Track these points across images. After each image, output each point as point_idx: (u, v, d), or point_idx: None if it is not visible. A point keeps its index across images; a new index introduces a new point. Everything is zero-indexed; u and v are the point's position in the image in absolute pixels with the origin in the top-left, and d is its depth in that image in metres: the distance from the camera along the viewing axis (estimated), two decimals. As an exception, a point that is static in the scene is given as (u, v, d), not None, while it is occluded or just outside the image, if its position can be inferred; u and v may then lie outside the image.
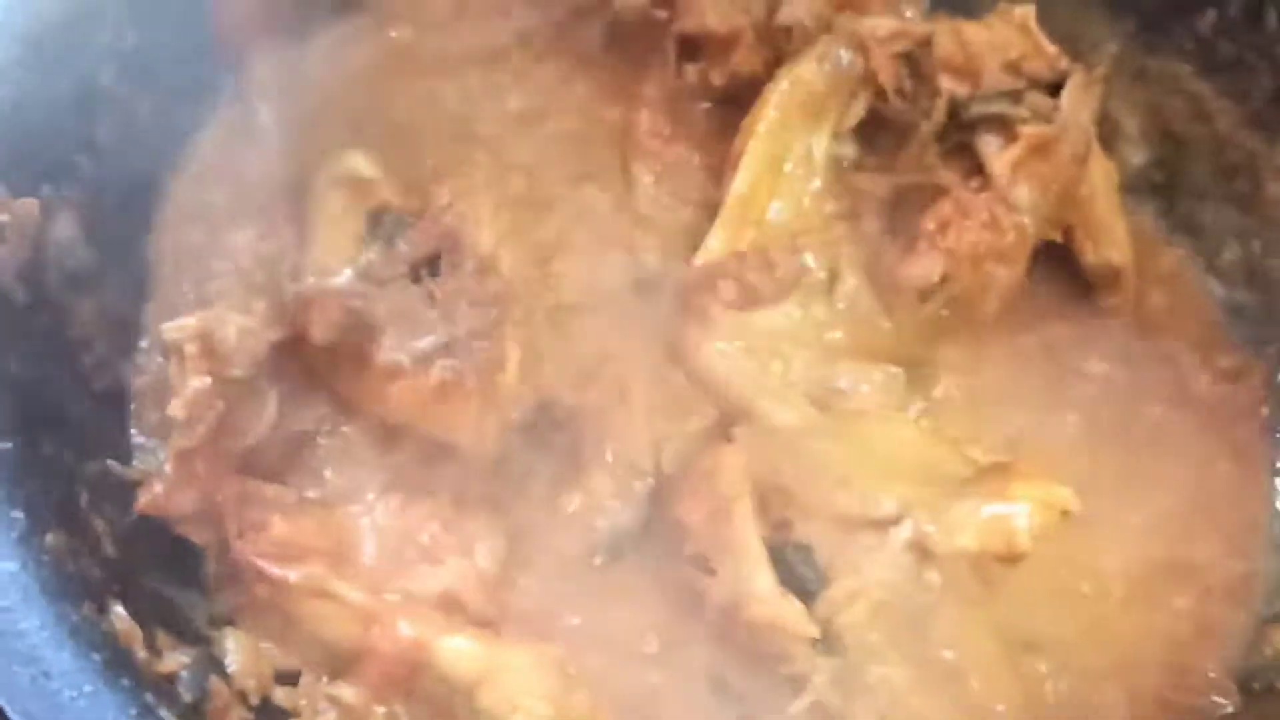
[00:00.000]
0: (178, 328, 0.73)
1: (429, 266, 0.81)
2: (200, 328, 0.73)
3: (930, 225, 0.88)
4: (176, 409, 0.72)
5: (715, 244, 0.88)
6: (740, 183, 0.89)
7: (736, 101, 0.93)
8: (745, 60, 0.92)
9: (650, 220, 0.94)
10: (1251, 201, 1.00)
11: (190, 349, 0.72)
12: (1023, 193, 0.89)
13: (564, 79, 0.97)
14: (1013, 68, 0.96)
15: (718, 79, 0.93)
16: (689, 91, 0.95)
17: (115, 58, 0.83)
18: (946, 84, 0.94)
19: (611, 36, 0.98)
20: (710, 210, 0.90)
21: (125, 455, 0.79)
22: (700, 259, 0.88)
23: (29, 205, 0.75)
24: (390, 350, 0.77)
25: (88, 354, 0.79)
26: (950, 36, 0.97)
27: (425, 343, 0.77)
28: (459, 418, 0.78)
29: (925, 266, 0.87)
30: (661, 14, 0.96)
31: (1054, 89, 0.95)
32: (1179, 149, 1.04)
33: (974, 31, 0.97)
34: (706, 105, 0.95)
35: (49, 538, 0.65)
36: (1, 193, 0.73)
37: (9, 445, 0.66)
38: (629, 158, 0.96)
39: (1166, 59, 1.03)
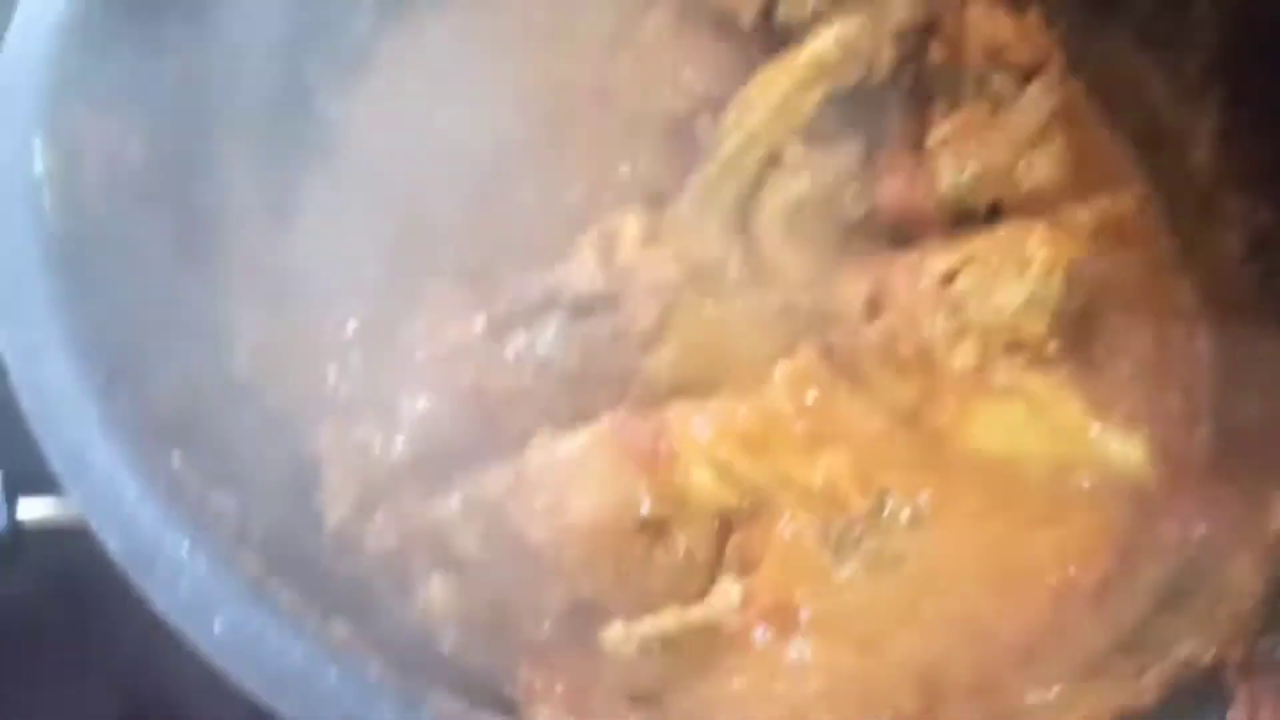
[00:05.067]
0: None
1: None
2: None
3: (867, 171, 1.01)
4: None
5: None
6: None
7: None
8: None
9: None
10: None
11: None
12: (944, 162, 1.00)
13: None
14: (994, 51, 1.05)
15: None
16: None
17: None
18: (934, 51, 1.05)
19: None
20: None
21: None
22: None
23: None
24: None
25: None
26: (954, 10, 1.07)
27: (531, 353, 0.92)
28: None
29: (856, 204, 1.01)
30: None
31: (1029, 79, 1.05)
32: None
33: (976, 12, 1.07)
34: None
35: (123, 389, 0.78)
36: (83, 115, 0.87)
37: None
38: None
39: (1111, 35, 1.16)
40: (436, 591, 0.88)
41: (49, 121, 0.84)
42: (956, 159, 1.00)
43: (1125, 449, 0.94)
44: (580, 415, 0.91)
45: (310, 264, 1.04)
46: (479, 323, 0.96)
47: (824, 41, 1.02)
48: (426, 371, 0.96)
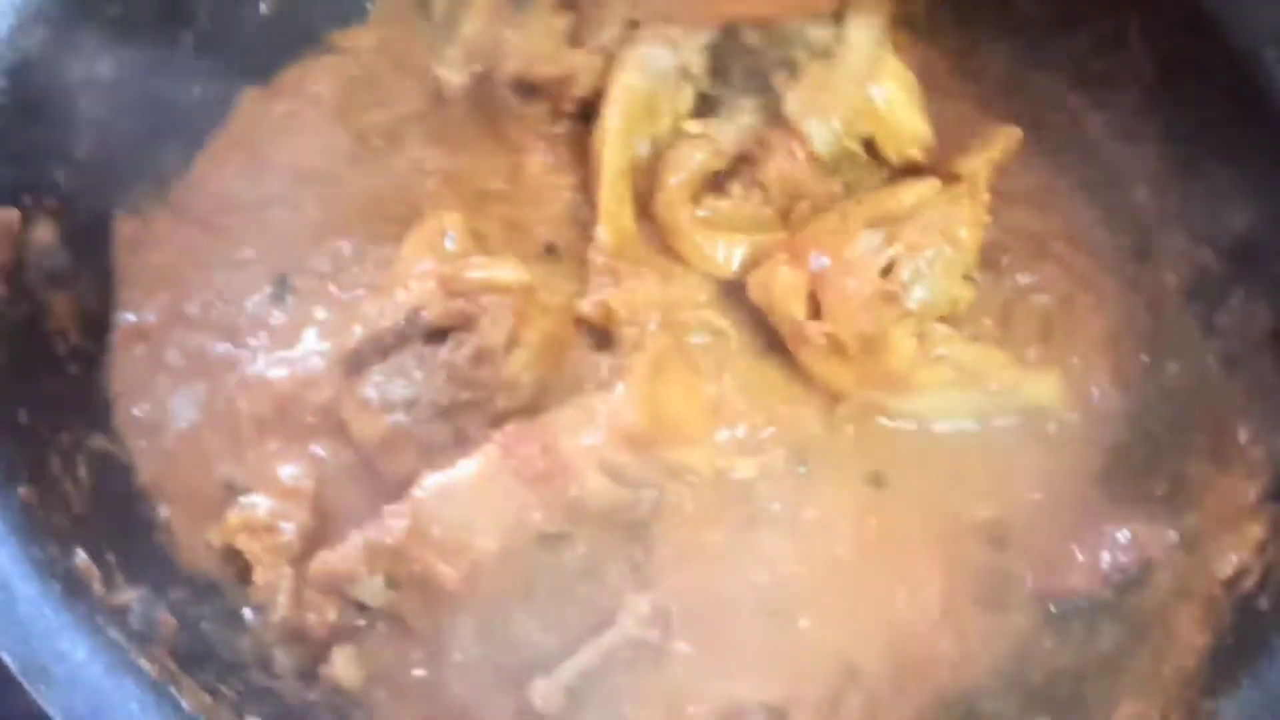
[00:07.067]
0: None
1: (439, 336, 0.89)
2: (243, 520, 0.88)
3: (746, 165, 1.02)
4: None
5: (603, 235, 1.00)
6: (606, 197, 1.01)
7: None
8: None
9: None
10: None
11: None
12: (811, 125, 1.01)
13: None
14: (798, 4, 1.06)
15: (568, 106, 1.07)
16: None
17: (93, 85, 0.96)
18: (750, 39, 1.06)
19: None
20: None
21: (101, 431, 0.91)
22: (600, 239, 1.00)
23: (10, 214, 0.87)
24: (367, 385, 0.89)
25: (63, 343, 0.91)
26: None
27: (395, 391, 0.89)
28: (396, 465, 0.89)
29: (742, 195, 1.02)
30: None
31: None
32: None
33: None
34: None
35: (21, 490, 0.77)
36: (-13, 202, 0.85)
37: (-11, 415, 0.78)
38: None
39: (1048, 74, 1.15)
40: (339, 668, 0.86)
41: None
42: (820, 114, 1.02)
43: (1040, 388, 0.99)
44: (459, 443, 0.88)
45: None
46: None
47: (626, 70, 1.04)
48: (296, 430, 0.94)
